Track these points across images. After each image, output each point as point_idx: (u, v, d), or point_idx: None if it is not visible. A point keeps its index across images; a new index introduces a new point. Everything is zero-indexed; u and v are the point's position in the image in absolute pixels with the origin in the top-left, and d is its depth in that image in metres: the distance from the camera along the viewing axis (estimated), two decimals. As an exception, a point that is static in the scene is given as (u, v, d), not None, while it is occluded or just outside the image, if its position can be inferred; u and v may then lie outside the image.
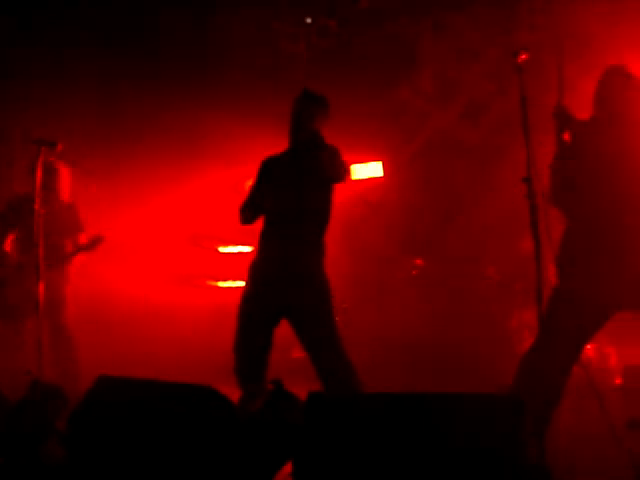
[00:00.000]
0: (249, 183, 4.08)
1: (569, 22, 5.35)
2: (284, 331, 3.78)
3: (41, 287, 3.84)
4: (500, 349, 5.23)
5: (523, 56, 3.42)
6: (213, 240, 7.02)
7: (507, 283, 5.68)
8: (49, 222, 4.15)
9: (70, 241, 5.06)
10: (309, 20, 6.78)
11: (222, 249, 7.05)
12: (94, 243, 4.95)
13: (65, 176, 5.10)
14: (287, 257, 3.71)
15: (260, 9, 6.72)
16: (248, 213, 3.94)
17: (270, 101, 5.92)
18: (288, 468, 2.73)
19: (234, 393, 3.31)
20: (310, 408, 2.69)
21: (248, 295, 3.75)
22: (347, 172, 3.84)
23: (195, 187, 6.83)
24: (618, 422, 3.51)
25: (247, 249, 6.31)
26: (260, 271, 3.79)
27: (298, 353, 4.64)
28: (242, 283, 3.91)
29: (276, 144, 3.90)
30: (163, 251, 6.83)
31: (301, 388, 2.91)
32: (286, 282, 3.66)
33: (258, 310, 3.70)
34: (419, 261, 6.47)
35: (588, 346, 4.48)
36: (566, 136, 3.53)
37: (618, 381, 4.47)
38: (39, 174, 3.91)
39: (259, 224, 3.89)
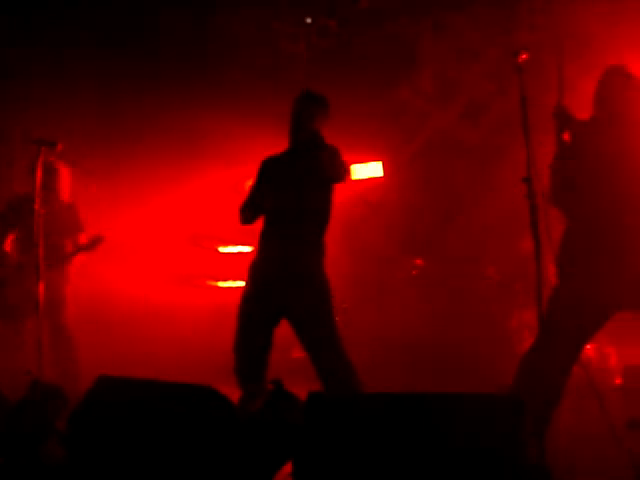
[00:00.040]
0: (249, 183, 4.08)
1: (569, 22, 5.34)
2: (284, 331, 3.78)
3: (41, 287, 3.84)
4: (500, 349, 5.23)
5: (523, 56, 3.42)
6: (213, 240, 7.02)
7: (507, 283, 5.68)
8: (49, 222, 4.15)
9: (70, 241, 5.06)
10: (309, 20, 6.78)
11: (222, 249, 7.05)
12: (94, 243, 4.95)
13: (65, 176, 5.10)
14: (287, 257, 3.70)
15: (260, 9, 6.71)
16: (248, 213, 3.94)
17: (270, 101, 5.92)
18: (288, 468, 2.73)
19: (234, 393, 3.30)
20: (310, 408, 2.69)
21: (248, 295, 3.75)
22: (347, 172, 3.84)
23: (195, 187, 6.83)
24: (618, 422, 3.51)
25: (247, 249, 6.31)
26: (260, 271, 3.79)
27: (298, 353, 4.64)
28: (242, 283, 3.90)
29: (276, 144, 3.90)
30: (163, 251, 6.83)
31: (301, 388, 2.91)
32: (286, 282, 3.66)
33: (258, 310, 3.70)
34: (419, 261, 6.46)
35: (588, 346, 4.48)
36: (566, 136, 3.53)
37: (618, 381, 4.47)
38: (39, 174, 3.91)
39: (259, 224, 3.89)
